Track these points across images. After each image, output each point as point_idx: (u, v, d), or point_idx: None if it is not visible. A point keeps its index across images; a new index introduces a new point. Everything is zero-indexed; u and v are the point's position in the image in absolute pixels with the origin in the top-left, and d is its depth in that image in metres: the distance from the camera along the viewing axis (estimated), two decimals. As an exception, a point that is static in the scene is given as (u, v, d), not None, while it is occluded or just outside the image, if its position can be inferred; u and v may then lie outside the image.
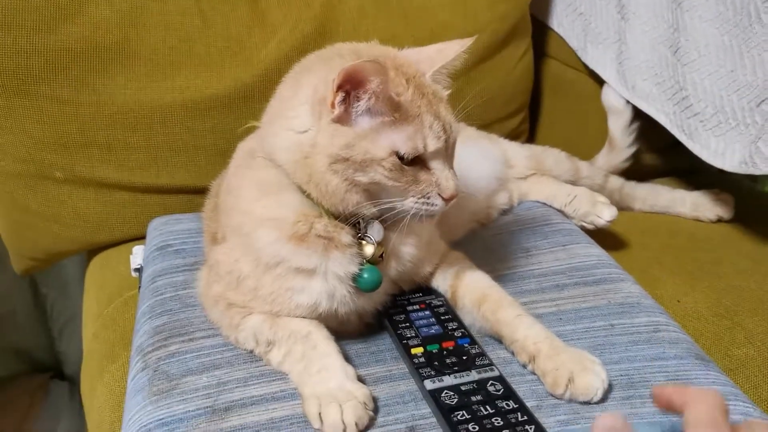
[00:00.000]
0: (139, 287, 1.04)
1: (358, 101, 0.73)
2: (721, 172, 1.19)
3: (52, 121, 1.15)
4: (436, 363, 0.75)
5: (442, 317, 0.83)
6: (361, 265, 0.81)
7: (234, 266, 0.84)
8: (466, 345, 0.79)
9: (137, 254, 1.11)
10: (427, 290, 0.88)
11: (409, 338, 0.80)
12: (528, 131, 1.54)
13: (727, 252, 1.17)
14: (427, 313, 0.84)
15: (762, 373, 0.93)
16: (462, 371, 0.74)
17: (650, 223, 1.28)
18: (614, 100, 1.33)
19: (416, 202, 0.77)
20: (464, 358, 0.76)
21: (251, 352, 0.85)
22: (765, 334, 0.98)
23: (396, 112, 0.74)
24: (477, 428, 0.65)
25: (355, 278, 0.81)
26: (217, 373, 0.82)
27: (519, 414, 0.67)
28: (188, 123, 1.21)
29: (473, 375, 0.73)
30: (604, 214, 1.13)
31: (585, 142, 1.42)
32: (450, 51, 0.81)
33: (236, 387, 0.79)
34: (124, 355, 0.97)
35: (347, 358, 0.82)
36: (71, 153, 1.18)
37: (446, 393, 0.70)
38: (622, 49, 1.33)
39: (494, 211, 1.16)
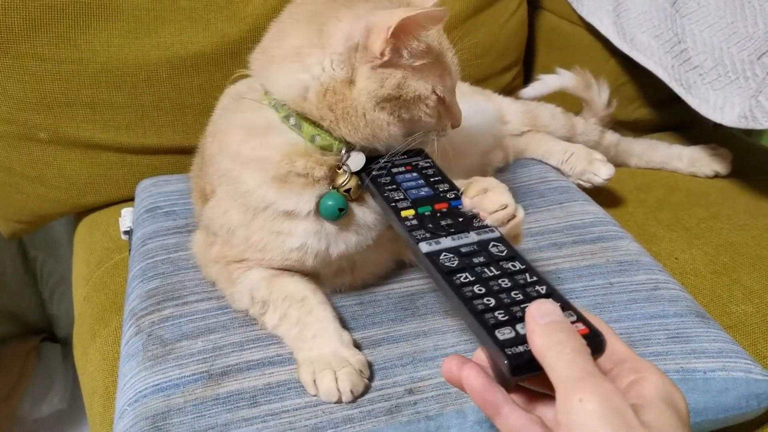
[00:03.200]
0: (130, 250, 1.02)
1: (408, 47, 0.73)
2: (717, 126, 1.17)
3: (33, 80, 1.12)
4: (430, 225, 0.67)
5: (432, 179, 0.76)
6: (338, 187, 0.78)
7: (224, 218, 0.82)
8: (461, 206, 0.72)
9: (126, 217, 1.09)
10: (412, 152, 0.80)
11: (397, 200, 0.72)
12: (522, 86, 1.51)
13: (725, 207, 1.16)
14: (414, 175, 0.76)
15: (761, 329, 0.92)
16: (459, 233, 0.66)
17: (647, 179, 1.27)
18: (530, 93, 1.31)
19: (437, 134, 0.81)
20: (460, 219, 0.69)
21: (246, 313, 0.83)
22: (763, 290, 0.98)
23: (432, 53, 0.76)
24: (483, 290, 0.57)
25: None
26: (212, 338, 0.80)
27: (527, 275, 0.59)
28: (174, 81, 1.17)
29: (472, 236, 0.66)
30: (602, 172, 1.11)
31: (571, 98, 1.39)
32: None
33: (232, 351, 0.78)
34: (116, 319, 0.96)
35: (343, 322, 0.81)
36: (55, 113, 1.14)
37: (445, 255, 0.62)
38: (620, 0, 1.30)
39: (490, 168, 1.14)
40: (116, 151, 1.20)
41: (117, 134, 1.18)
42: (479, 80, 1.34)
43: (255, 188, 0.78)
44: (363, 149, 0.78)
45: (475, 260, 0.62)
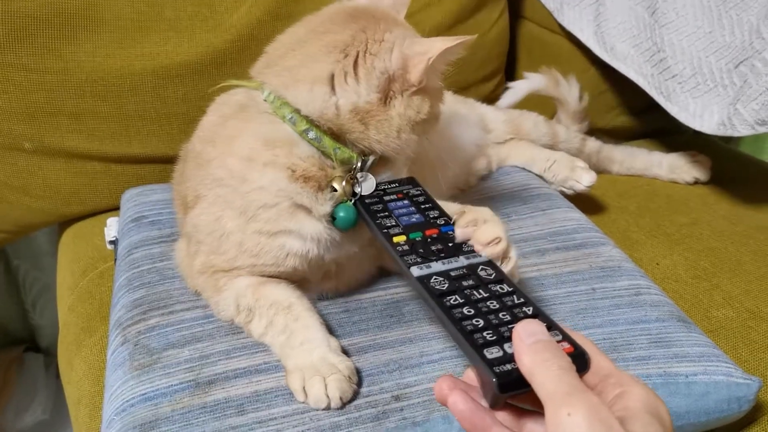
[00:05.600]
0: (115, 260, 1.02)
1: (438, 72, 0.79)
2: (696, 133, 1.19)
3: (18, 90, 1.12)
4: (421, 250, 0.70)
5: (422, 206, 0.79)
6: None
7: (215, 225, 0.82)
8: (451, 232, 0.74)
9: (111, 226, 1.09)
10: (403, 180, 0.84)
11: (389, 227, 0.75)
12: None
13: (704, 214, 1.18)
14: (405, 202, 0.79)
15: (740, 334, 0.94)
16: (449, 257, 0.69)
17: (627, 186, 1.29)
18: (505, 102, 1.33)
19: None
20: (450, 244, 0.72)
21: (231, 322, 0.83)
22: (743, 295, 0.99)
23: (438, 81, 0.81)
24: (472, 311, 0.59)
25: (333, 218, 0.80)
26: (198, 346, 0.81)
27: (514, 297, 0.62)
28: (159, 90, 1.18)
29: (462, 260, 0.69)
30: (583, 179, 1.13)
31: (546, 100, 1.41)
32: None
33: (219, 360, 0.78)
34: (102, 328, 0.96)
35: (330, 329, 0.81)
36: (39, 123, 1.14)
37: (435, 279, 0.65)
38: (600, 10, 1.32)
39: (473, 177, 1.16)
40: (101, 160, 1.19)
41: (102, 144, 1.18)
42: (462, 89, 1.35)
43: (270, 183, 0.78)
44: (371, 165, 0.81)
45: (465, 283, 0.64)
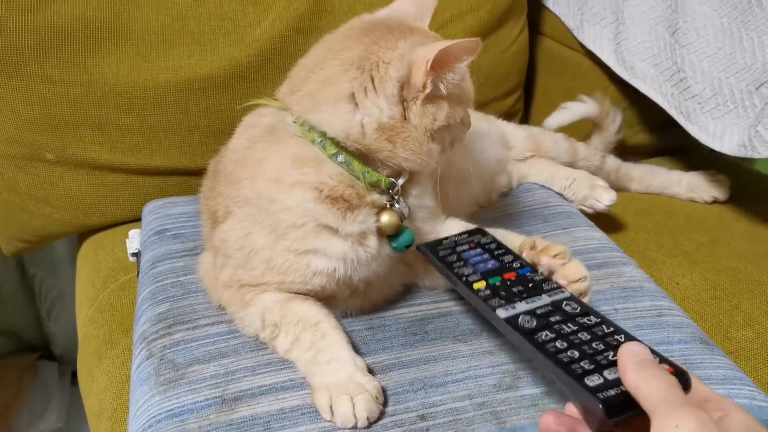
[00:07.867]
0: (138, 272, 1.02)
1: (446, 78, 0.77)
2: (713, 151, 1.19)
3: (42, 102, 1.12)
4: (503, 293, 0.72)
5: (495, 252, 0.81)
6: (377, 222, 0.82)
7: (244, 241, 0.82)
8: (528, 273, 0.76)
9: (134, 238, 1.09)
10: (472, 231, 0.86)
11: (468, 275, 0.76)
12: (523, 110, 1.53)
13: (723, 233, 1.18)
14: (478, 250, 0.81)
15: (761, 355, 0.94)
16: (532, 296, 0.71)
17: (646, 204, 1.28)
18: (557, 121, 1.32)
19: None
20: (530, 285, 0.73)
21: (256, 338, 0.84)
22: (763, 316, 0.99)
23: (460, 88, 0.81)
24: (565, 345, 0.61)
25: (392, 237, 0.83)
26: (224, 362, 0.81)
27: (604, 326, 0.64)
28: (182, 103, 1.18)
29: (545, 298, 0.70)
30: (603, 198, 1.13)
31: (580, 122, 1.41)
32: None
33: (244, 376, 0.79)
34: (124, 340, 0.96)
35: (354, 347, 0.81)
36: (62, 134, 1.15)
37: (522, 318, 0.67)
38: (620, 29, 1.33)
39: (494, 193, 1.16)
40: (123, 172, 1.20)
41: (124, 155, 1.19)
42: (482, 105, 1.35)
43: (298, 205, 0.79)
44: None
45: (552, 319, 0.67)
